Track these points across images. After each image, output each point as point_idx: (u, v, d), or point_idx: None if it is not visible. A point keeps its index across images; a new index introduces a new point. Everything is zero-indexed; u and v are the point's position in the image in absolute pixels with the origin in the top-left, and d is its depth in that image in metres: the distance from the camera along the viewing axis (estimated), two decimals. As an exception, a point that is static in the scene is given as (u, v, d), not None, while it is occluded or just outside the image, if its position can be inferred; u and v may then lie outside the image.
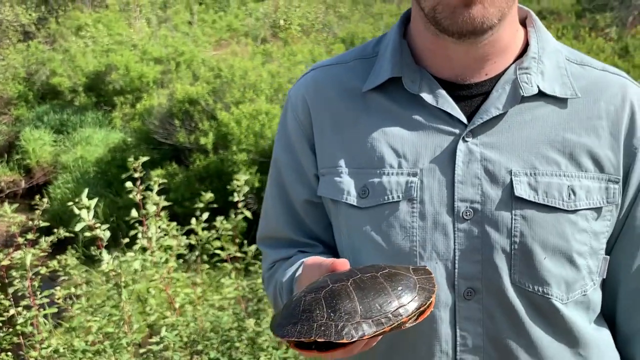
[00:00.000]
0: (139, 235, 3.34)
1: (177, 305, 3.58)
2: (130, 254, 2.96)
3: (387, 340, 1.06)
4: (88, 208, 2.74)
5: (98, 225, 2.85)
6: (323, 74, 1.21)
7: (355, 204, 1.11)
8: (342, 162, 1.14)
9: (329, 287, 0.82)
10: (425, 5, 1.04)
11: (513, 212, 1.05)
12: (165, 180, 3.69)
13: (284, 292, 1.17)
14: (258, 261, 4.08)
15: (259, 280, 3.87)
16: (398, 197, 1.08)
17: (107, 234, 2.88)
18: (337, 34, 14.98)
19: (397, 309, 0.81)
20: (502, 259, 1.05)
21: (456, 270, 1.06)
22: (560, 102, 1.08)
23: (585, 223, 1.06)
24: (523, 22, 1.15)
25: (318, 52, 11.18)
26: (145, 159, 3.10)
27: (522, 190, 1.05)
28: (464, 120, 1.08)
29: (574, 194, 1.05)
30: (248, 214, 3.60)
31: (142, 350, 3.33)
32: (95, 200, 2.79)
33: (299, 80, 1.23)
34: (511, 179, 1.05)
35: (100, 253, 2.92)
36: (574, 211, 1.05)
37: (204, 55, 12.53)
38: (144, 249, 3.55)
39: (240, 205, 3.55)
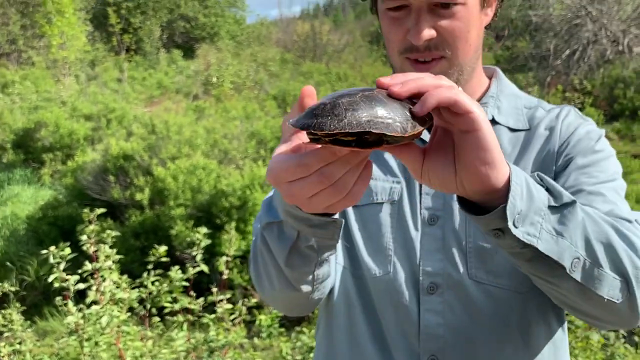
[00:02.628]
0: (93, 288, 3.31)
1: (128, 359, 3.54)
2: (95, 307, 2.94)
3: (361, 326, 1.27)
4: (62, 258, 2.73)
5: (68, 277, 2.83)
6: None
7: None
8: None
9: (358, 94, 0.80)
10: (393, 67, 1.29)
11: (467, 218, 1.22)
12: (117, 233, 3.67)
13: (258, 232, 1.18)
14: (207, 313, 4.08)
15: (212, 332, 3.87)
16: (382, 199, 1.30)
17: (81, 286, 2.87)
18: (269, 91, 15.24)
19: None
20: (460, 257, 1.24)
21: (420, 268, 1.25)
22: (513, 131, 1.31)
23: None
24: (491, 77, 1.38)
25: (251, 108, 11.34)
26: (101, 210, 3.10)
27: None
28: None
29: None
30: (205, 268, 3.61)
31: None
32: (67, 249, 2.78)
33: None
34: None
35: (66, 304, 2.89)
36: None
37: (135, 111, 12.51)
38: (94, 302, 3.51)
39: (198, 258, 3.56)
